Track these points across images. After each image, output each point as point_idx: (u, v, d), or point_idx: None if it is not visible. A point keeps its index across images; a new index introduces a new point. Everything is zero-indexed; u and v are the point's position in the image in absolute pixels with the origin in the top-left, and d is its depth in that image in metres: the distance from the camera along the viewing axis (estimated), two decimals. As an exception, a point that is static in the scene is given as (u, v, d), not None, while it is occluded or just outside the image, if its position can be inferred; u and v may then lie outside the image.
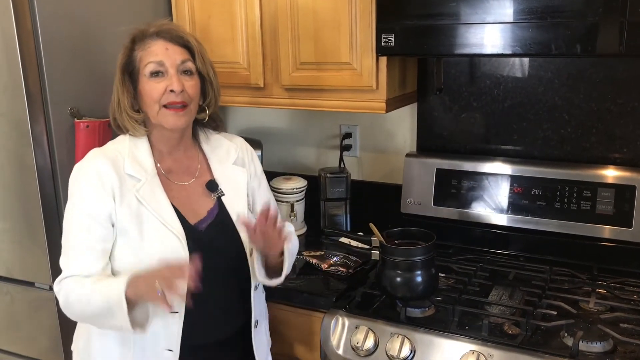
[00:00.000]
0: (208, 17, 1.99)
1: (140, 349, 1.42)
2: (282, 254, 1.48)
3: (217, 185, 1.52)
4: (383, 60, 1.78)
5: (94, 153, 1.44)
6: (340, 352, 1.61)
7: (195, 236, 1.44)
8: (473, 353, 1.45)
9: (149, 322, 1.32)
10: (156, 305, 1.26)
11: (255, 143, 2.06)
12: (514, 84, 1.95)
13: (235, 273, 1.50)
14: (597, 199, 1.82)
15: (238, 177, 1.56)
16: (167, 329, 1.41)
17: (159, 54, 1.39)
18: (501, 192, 1.95)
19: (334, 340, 1.62)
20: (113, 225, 1.39)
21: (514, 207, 1.93)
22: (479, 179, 1.97)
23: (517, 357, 1.42)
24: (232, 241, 1.49)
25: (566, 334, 1.47)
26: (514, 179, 1.93)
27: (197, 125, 1.55)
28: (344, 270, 1.84)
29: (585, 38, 1.47)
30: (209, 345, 1.49)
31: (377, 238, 1.67)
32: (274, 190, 2.04)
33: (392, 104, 1.88)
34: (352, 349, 1.58)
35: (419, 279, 1.59)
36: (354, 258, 1.92)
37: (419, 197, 2.06)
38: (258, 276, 1.49)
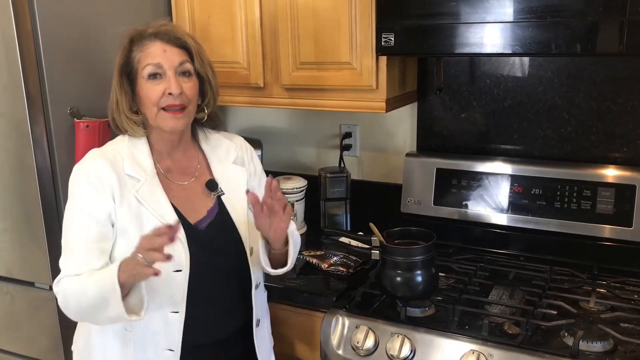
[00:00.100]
0: (208, 17, 1.99)
1: (141, 348, 1.42)
2: (286, 243, 1.49)
3: (216, 185, 1.52)
4: (383, 59, 1.77)
5: (93, 153, 1.44)
6: (340, 351, 1.61)
7: (195, 236, 1.44)
8: (473, 353, 1.45)
9: (144, 308, 1.31)
10: (146, 277, 1.25)
11: (255, 143, 2.06)
12: (514, 84, 1.95)
13: (235, 272, 1.50)
14: (598, 198, 1.82)
15: (238, 176, 1.56)
16: (168, 329, 1.41)
17: (156, 56, 1.39)
18: (501, 192, 1.95)
19: (334, 340, 1.62)
20: (113, 225, 1.39)
21: (514, 206, 1.93)
22: (479, 178, 1.97)
23: (518, 356, 1.42)
24: (232, 240, 1.50)
25: (566, 334, 1.47)
26: (514, 179, 1.93)
27: (196, 124, 1.55)
28: (344, 270, 1.84)
29: (585, 37, 1.47)
30: (210, 344, 1.49)
31: (377, 238, 1.67)
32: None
33: (392, 103, 1.87)
34: (353, 348, 1.58)
35: (419, 278, 1.59)
36: (354, 258, 1.92)
37: (419, 197, 2.06)
38: (264, 265, 1.49)
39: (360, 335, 1.58)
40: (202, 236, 1.45)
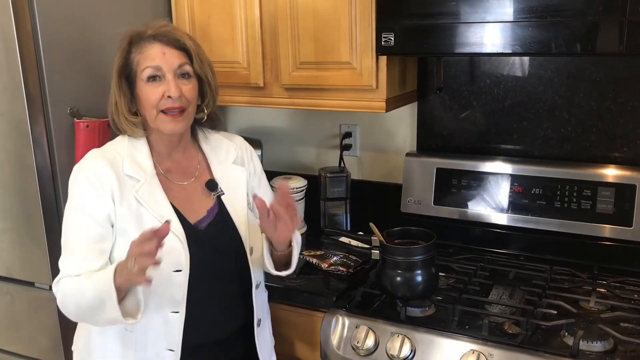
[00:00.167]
0: (208, 17, 1.99)
1: (141, 348, 1.42)
2: (289, 244, 1.49)
3: (216, 185, 1.52)
4: (383, 59, 1.77)
5: (93, 154, 1.44)
6: (340, 351, 1.61)
7: (195, 236, 1.44)
8: (473, 352, 1.45)
9: (140, 311, 1.31)
10: (139, 285, 1.24)
11: (255, 142, 2.06)
12: (514, 83, 1.95)
13: (236, 272, 1.50)
14: (598, 198, 1.82)
15: (238, 176, 1.56)
16: (168, 329, 1.41)
17: (155, 58, 1.39)
18: (501, 192, 1.95)
19: (334, 340, 1.62)
20: (112, 226, 1.39)
21: (514, 206, 1.93)
22: (479, 178, 1.97)
23: (518, 356, 1.42)
24: (232, 240, 1.50)
25: (566, 334, 1.47)
26: (514, 178, 1.93)
27: (196, 124, 1.55)
28: (344, 269, 1.84)
29: (585, 37, 1.47)
30: (210, 344, 1.49)
31: (377, 237, 1.67)
32: (274, 189, 2.04)
33: (392, 103, 1.87)
34: (353, 348, 1.58)
35: (419, 278, 1.59)
36: (354, 257, 1.92)
37: (419, 197, 2.06)
38: (268, 267, 1.50)
39: (360, 335, 1.58)
40: (202, 236, 1.45)
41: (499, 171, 1.95)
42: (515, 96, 1.95)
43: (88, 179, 1.39)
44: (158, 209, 1.41)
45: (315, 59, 1.86)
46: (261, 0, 1.90)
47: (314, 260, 1.89)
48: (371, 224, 1.69)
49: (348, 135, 2.26)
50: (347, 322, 1.63)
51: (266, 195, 1.63)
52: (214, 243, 1.47)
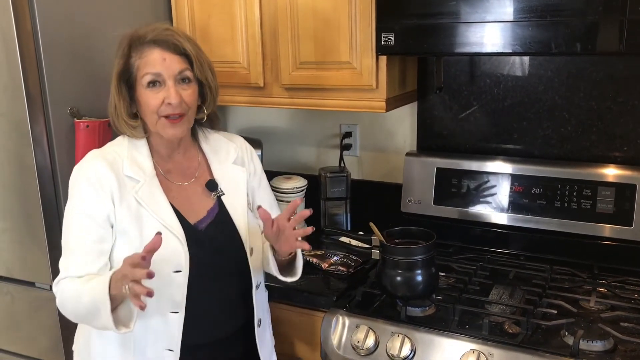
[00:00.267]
0: (208, 17, 1.99)
1: (141, 348, 1.42)
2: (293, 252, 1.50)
3: (216, 185, 1.52)
4: (383, 59, 1.77)
5: (93, 154, 1.44)
6: (340, 351, 1.61)
7: (195, 236, 1.44)
8: (473, 352, 1.45)
9: (133, 321, 1.31)
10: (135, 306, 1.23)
11: (255, 142, 2.06)
12: (514, 83, 1.95)
13: (235, 272, 1.50)
14: (598, 197, 1.82)
15: (238, 176, 1.56)
16: (168, 329, 1.41)
17: (156, 65, 1.38)
18: (501, 191, 1.95)
19: (334, 340, 1.62)
20: (112, 227, 1.39)
21: (514, 206, 1.93)
22: (479, 178, 1.97)
23: (518, 356, 1.42)
24: (232, 240, 1.50)
25: (567, 333, 1.47)
26: (514, 178, 1.93)
27: (196, 124, 1.55)
28: (344, 269, 1.84)
29: (585, 37, 1.47)
30: (210, 344, 1.49)
31: (377, 237, 1.67)
32: (274, 189, 2.04)
33: (392, 103, 1.87)
34: (353, 348, 1.58)
35: (419, 278, 1.59)
36: (354, 257, 1.92)
37: (419, 196, 2.06)
38: (274, 273, 1.50)
39: (360, 335, 1.58)
40: (201, 236, 1.45)
41: (499, 171, 1.95)
42: (515, 96, 1.95)
43: (88, 180, 1.39)
44: (158, 210, 1.41)
45: (315, 59, 1.86)
46: (261, 0, 1.90)
47: (314, 260, 1.89)
48: (371, 224, 1.69)
49: (348, 135, 2.26)
50: (347, 321, 1.63)
51: (266, 195, 1.64)
52: (214, 243, 1.47)
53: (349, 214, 2.21)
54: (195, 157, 1.55)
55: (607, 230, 1.82)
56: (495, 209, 1.96)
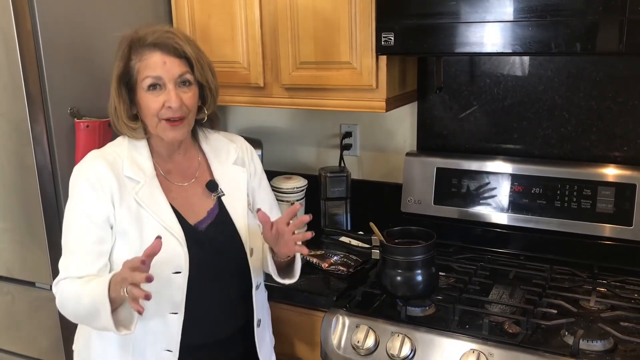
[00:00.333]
0: (208, 17, 1.99)
1: (140, 349, 1.42)
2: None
3: (217, 186, 1.52)
4: (383, 59, 1.77)
5: (93, 154, 1.44)
6: (340, 351, 1.61)
7: (195, 237, 1.44)
8: (473, 352, 1.45)
9: (133, 323, 1.31)
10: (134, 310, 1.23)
11: (255, 142, 2.06)
12: (514, 83, 1.95)
13: (235, 273, 1.50)
14: (598, 197, 1.82)
15: (238, 176, 1.56)
16: (167, 330, 1.41)
17: (156, 68, 1.38)
18: (501, 191, 1.95)
19: (334, 340, 1.63)
20: (112, 228, 1.39)
21: (514, 205, 1.93)
22: (479, 177, 1.97)
23: (518, 355, 1.42)
24: (232, 241, 1.50)
25: (567, 333, 1.47)
26: (514, 178, 1.93)
27: (196, 124, 1.55)
28: (345, 269, 1.84)
29: (585, 36, 1.47)
30: (210, 344, 1.49)
31: (377, 237, 1.67)
32: (274, 189, 2.04)
33: (392, 103, 1.88)
34: (353, 348, 1.58)
35: (420, 278, 1.59)
36: (355, 257, 1.92)
37: (419, 196, 2.06)
38: (273, 275, 1.50)
39: (360, 335, 1.58)
40: (202, 237, 1.45)
41: (499, 171, 1.95)
42: (515, 96, 1.95)
43: (88, 180, 1.39)
44: (158, 211, 1.41)
45: (315, 59, 1.86)
46: (261, 0, 1.90)
47: (314, 260, 1.89)
48: (371, 224, 1.69)
49: (348, 135, 2.26)
50: (347, 321, 1.63)
51: (266, 195, 1.64)
52: (214, 244, 1.47)
53: (349, 214, 2.21)
54: (196, 158, 1.55)
55: (607, 230, 1.82)
56: (495, 208, 1.96)
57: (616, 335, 1.46)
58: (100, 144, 1.61)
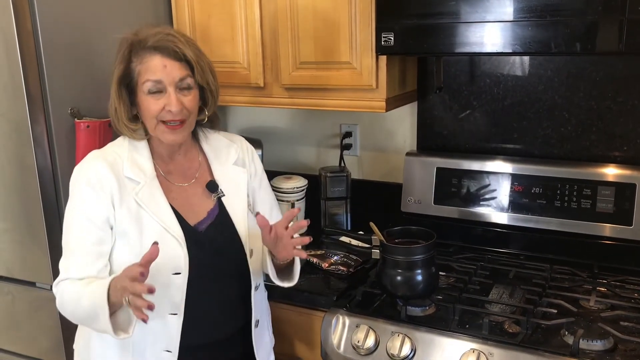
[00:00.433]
0: (208, 17, 1.99)
1: (139, 350, 1.42)
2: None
3: (217, 186, 1.52)
4: (383, 59, 1.78)
5: (94, 155, 1.44)
6: (340, 351, 1.61)
7: (195, 237, 1.44)
8: (473, 352, 1.45)
9: (132, 326, 1.30)
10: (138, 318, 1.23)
11: (255, 142, 2.06)
12: (514, 83, 1.95)
13: (235, 274, 1.50)
14: (598, 197, 1.82)
15: (238, 177, 1.56)
16: (166, 330, 1.41)
17: (157, 71, 1.37)
18: (501, 191, 1.95)
19: (334, 339, 1.63)
20: (111, 229, 1.40)
21: (514, 205, 1.93)
22: (479, 177, 1.97)
23: (518, 355, 1.42)
24: (232, 242, 1.49)
25: (567, 332, 1.47)
26: (514, 178, 1.93)
27: (196, 124, 1.55)
28: (345, 269, 1.84)
29: (585, 36, 1.47)
30: (209, 345, 1.49)
31: (377, 237, 1.67)
32: (274, 189, 2.04)
33: (392, 103, 1.88)
34: (353, 347, 1.59)
35: (420, 277, 1.60)
36: (355, 257, 1.92)
37: (419, 196, 2.07)
38: (272, 278, 1.50)
39: (360, 335, 1.58)
40: (201, 238, 1.45)
41: (499, 170, 1.95)
42: (515, 96, 1.95)
43: (88, 181, 1.39)
44: (158, 212, 1.41)
45: (315, 59, 1.86)
46: (261, 0, 1.90)
47: (315, 260, 1.89)
48: (371, 224, 1.69)
49: (348, 135, 2.26)
50: (347, 321, 1.63)
51: (267, 196, 1.64)
52: (214, 245, 1.47)
53: (349, 214, 2.21)
54: (196, 158, 1.55)
55: (607, 229, 1.82)
56: (495, 208, 1.96)
57: (616, 335, 1.46)
58: (101, 144, 1.61)
